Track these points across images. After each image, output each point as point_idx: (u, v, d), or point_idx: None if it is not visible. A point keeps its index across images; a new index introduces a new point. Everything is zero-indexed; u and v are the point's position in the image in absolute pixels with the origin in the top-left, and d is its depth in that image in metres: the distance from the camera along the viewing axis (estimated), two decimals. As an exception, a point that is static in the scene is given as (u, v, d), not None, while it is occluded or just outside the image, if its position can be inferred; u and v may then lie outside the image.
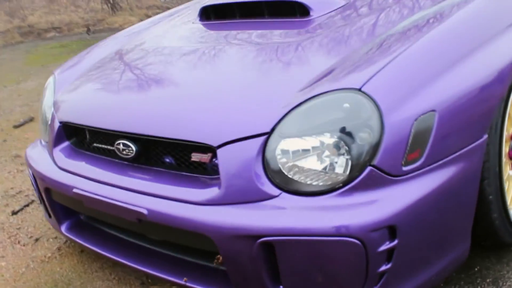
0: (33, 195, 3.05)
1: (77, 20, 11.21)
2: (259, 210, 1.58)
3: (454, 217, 1.69)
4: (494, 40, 1.86)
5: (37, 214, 2.85)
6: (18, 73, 6.79)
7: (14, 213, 2.88)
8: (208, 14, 2.49)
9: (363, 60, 1.71)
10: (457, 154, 1.66)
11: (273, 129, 1.59)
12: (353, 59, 1.74)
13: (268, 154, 1.59)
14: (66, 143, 2.19)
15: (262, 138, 1.59)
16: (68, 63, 2.64)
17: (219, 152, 1.63)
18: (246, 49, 2.09)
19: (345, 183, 1.54)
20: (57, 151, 2.17)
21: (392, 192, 1.55)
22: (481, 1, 1.99)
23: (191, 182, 1.74)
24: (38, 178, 2.21)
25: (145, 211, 1.73)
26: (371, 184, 1.54)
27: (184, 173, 1.79)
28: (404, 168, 1.55)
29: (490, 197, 1.81)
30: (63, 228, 2.26)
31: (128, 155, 1.88)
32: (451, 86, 1.67)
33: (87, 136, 2.14)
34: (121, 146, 1.89)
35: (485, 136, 1.75)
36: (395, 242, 1.54)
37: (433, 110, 1.59)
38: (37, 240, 2.58)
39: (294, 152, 1.57)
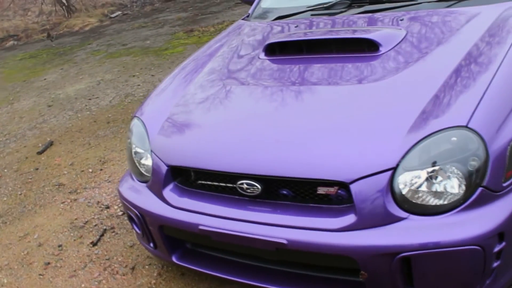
0: (103, 223, 3.27)
1: (32, 26, 11.11)
2: (393, 231, 1.91)
3: None
4: None
5: (116, 242, 3.08)
6: (4, 92, 6.83)
7: (94, 244, 3.10)
8: (273, 49, 2.74)
9: (457, 92, 2.04)
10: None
11: (398, 164, 1.91)
12: (443, 92, 2.07)
13: (395, 184, 1.91)
14: (172, 184, 2.44)
15: (390, 172, 1.91)
16: (142, 109, 2.80)
17: (352, 186, 1.94)
18: (337, 87, 2.36)
19: (461, 202, 1.89)
20: (167, 192, 2.41)
21: (497, 205, 1.91)
22: None
23: (322, 212, 2.03)
24: (148, 217, 2.46)
25: (285, 241, 2.03)
26: (481, 201, 1.89)
27: (310, 204, 2.08)
28: (504, 184, 1.92)
29: None
30: (174, 257, 2.51)
31: (253, 193, 2.16)
32: None
33: (193, 175, 2.40)
34: (244, 186, 2.16)
35: None
36: (503, 244, 1.91)
37: None
38: (133, 268, 2.82)
39: (416, 181, 1.90)
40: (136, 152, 2.61)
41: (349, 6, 2.95)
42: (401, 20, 2.67)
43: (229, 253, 2.42)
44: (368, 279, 1.99)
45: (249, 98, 2.53)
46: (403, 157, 1.91)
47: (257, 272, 2.32)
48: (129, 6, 11.86)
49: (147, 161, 2.53)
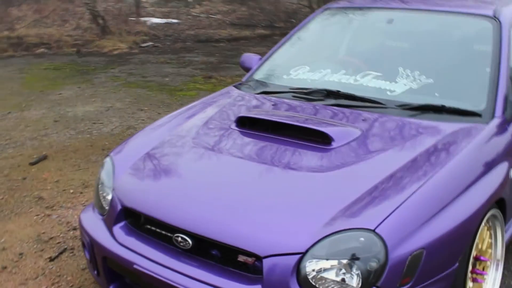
0: (65, 242, 3.54)
1: (65, 38, 11.61)
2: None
3: None
4: (468, 191, 2.50)
5: (71, 262, 3.34)
6: (19, 98, 7.21)
7: (51, 259, 3.36)
8: (244, 123, 3.05)
9: (377, 199, 2.31)
10: (436, 278, 2.28)
11: (307, 251, 2.17)
12: (369, 195, 2.34)
13: (302, 267, 2.17)
14: (123, 222, 2.72)
15: (299, 256, 2.17)
16: (120, 148, 3.11)
17: (264, 261, 2.20)
18: (283, 169, 2.63)
19: (357, 295, 2.14)
20: (117, 228, 2.69)
21: None
22: (466, 153, 2.63)
23: (238, 278, 2.29)
24: (96, 246, 2.73)
25: (201, 296, 2.29)
26: (374, 298, 2.14)
27: (230, 268, 2.34)
28: (398, 288, 2.17)
29: None
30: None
31: (184, 246, 2.43)
32: (439, 227, 2.29)
33: (142, 219, 2.68)
34: (179, 239, 2.44)
35: (456, 264, 2.37)
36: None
37: (423, 248, 2.20)
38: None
39: (320, 269, 2.16)
40: (101, 187, 2.90)
41: (326, 96, 3.25)
42: (364, 120, 2.95)
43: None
44: None
45: (206, 161, 2.83)
46: (313, 244, 2.17)
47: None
48: (162, 39, 12.35)
49: (109, 197, 2.81)
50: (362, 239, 2.17)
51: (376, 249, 2.14)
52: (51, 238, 3.63)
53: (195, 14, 15.71)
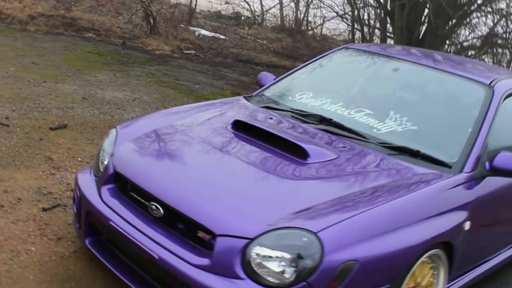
0: (61, 200, 3.91)
1: (115, 29, 12.15)
2: (229, 283, 2.47)
3: None
4: (415, 224, 2.79)
5: (61, 217, 3.70)
6: (57, 71, 7.67)
7: (45, 210, 3.73)
8: (238, 126, 3.40)
9: (330, 209, 2.62)
10: (363, 291, 2.57)
11: (255, 237, 2.49)
12: (325, 205, 2.66)
13: (247, 251, 2.48)
14: (112, 185, 3.08)
15: (247, 241, 2.49)
16: (129, 123, 3.52)
17: (217, 238, 2.53)
18: (259, 169, 2.99)
19: (287, 286, 2.44)
20: (104, 189, 3.05)
21: None
22: (423, 192, 2.93)
23: (193, 249, 2.62)
24: (84, 201, 3.09)
25: (156, 257, 2.62)
26: (304, 292, 2.44)
27: (189, 241, 2.67)
28: (325, 290, 2.46)
29: None
30: (87, 241, 3.13)
31: (156, 215, 2.77)
32: (377, 247, 2.58)
33: (128, 185, 3.03)
34: (153, 206, 2.78)
35: (387, 286, 2.65)
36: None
37: (357, 260, 2.49)
38: (59, 239, 3.43)
39: (263, 256, 2.47)
40: (102, 153, 3.27)
41: (319, 121, 3.58)
42: (343, 147, 3.27)
43: (126, 257, 3.01)
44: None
45: (196, 149, 3.20)
46: (262, 233, 2.49)
47: (139, 281, 2.89)
48: (205, 50, 12.82)
49: (105, 162, 3.18)
50: (304, 239, 2.48)
51: (314, 250, 2.44)
52: (50, 193, 4.00)
53: (242, 35, 16.20)
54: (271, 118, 3.64)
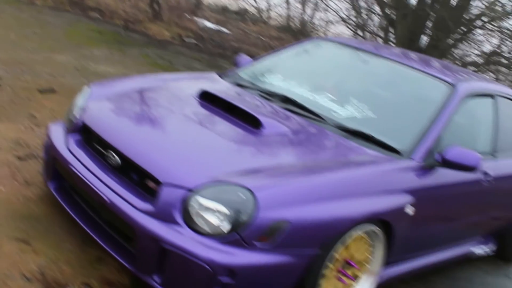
0: (36, 153, 4.16)
1: (120, 12, 12.41)
2: (168, 228, 2.72)
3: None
4: (353, 198, 2.99)
5: (34, 166, 3.95)
6: (56, 43, 7.93)
7: (20, 158, 3.98)
8: (204, 96, 3.65)
9: (271, 172, 2.87)
10: (294, 251, 2.78)
11: (196, 188, 2.73)
12: (267, 169, 2.90)
13: (187, 200, 2.73)
14: (78, 136, 3.33)
15: (188, 190, 2.74)
16: (103, 83, 3.78)
17: (163, 186, 2.78)
18: (213, 132, 3.25)
19: (221, 236, 2.68)
20: (71, 138, 3.31)
21: (242, 253, 2.68)
22: (367, 170, 3.17)
23: (140, 196, 2.88)
24: (52, 148, 3.35)
25: (108, 200, 2.87)
26: (234, 243, 2.67)
27: (138, 188, 2.93)
28: (255, 243, 2.68)
29: None
30: (50, 184, 3.40)
31: (113, 163, 3.03)
32: (310, 212, 2.79)
33: (93, 137, 3.28)
34: (110, 155, 3.04)
35: (318, 251, 2.86)
36: (232, 281, 2.66)
37: (288, 221, 2.72)
38: (29, 184, 3.69)
39: (201, 206, 2.71)
40: (74, 107, 3.53)
41: (283, 101, 3.80)
42: (298, 124, 3.50)
43: (84, 203, 3.26)
44: (137, 251, 2.79)
45: (160, 110, 3.49)
46: (203, 185, 2.74)
47: (93, 225, 3.14)
48: (206, 41, 13.08)
49: (77, 115, 3.44)
50: (242, 195, 2.70)
51: (250, 207, 2.67)
52: (27, 144, 4.26)
53: (246, 31, 16.46)
54: (237, 93, 3.88)
